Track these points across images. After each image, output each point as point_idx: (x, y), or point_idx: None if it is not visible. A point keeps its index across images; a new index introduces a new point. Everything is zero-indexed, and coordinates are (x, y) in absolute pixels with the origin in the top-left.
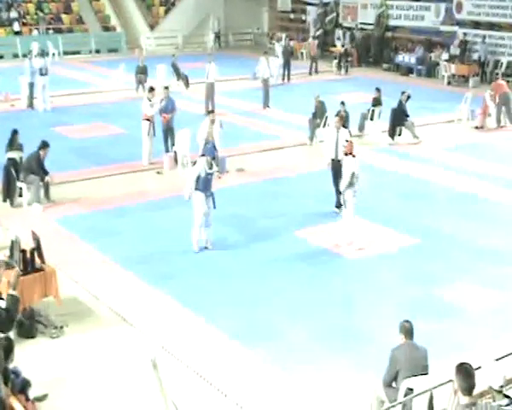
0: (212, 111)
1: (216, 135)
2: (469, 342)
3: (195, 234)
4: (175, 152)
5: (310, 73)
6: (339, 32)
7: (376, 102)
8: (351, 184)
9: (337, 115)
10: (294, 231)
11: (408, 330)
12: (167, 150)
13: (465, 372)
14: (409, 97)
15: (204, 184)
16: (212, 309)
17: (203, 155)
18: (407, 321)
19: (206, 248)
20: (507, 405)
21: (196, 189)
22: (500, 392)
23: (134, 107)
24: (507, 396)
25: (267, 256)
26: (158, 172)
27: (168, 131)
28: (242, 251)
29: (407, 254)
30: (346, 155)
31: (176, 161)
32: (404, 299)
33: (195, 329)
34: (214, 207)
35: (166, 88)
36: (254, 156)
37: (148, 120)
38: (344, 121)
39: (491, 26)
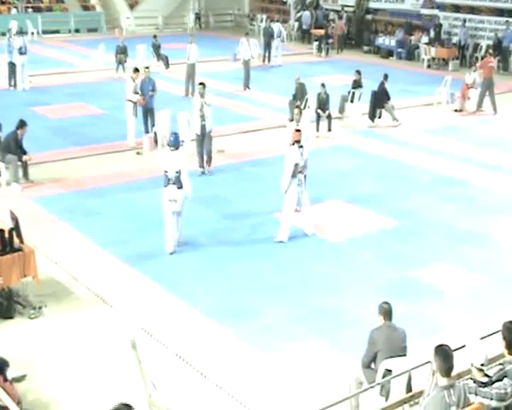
0: (202, 84)
1: (208, 110)
2: (448, 323)
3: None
4: (155, 133)
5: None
6: (330, 13)
7: (356, 85)
8: (293, 176)
9: (297, 107)
10: (274, 213)
11: (387, 312)
12: (147, 131)
13: (444, 354)
14: (386, 77)
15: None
16: (190, 289)
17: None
18: (386, 303)
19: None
20: (486, 384)
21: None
22: (481, 370)
23: (114, 87)
24: (487, 375)
25: (246, 238)
26: (137, 153)
27: (148, 112)
28: (221, 232)
29: (386, 235)
30: (292, 144)
31: (156, 142)
32: (384, 280)
33: (174, 310)
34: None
35: (147, 68)
36: (234, 138)
37: (130, 100)
38: (320, 105)
39: (472, 9)
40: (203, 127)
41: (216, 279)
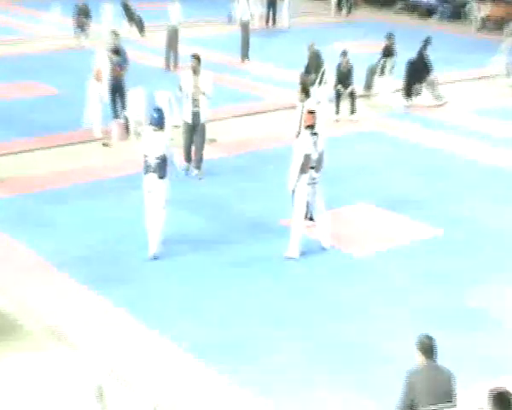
0: (197, 58)
1: (208, 89)
2: (508, 361)
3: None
4: (126, 118)
5: None
6: None
7: (388, 53)
8: (303, 171)
9: (303, 84)
10: (280, 219)
11: (428, 348)
12: (116, 116)
13: (502, 401)
14: (427, 42)
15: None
16: (173, 321)
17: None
18: (427, 336)
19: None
20: None
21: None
22: None
23: (72, 59)
24: None
25: (245, 253)
26: (104, 144)
27: (117, 92)
28: (213, 246)
29: (426, 248)
30: (305, 128)
31: (127, 129)
32: (424, 306)
33: (152, 347)
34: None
35: (116, 35)
36: (230, 123)
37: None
38: (341, 80)
39: None
40: (195, 115)
41: (206, 307)
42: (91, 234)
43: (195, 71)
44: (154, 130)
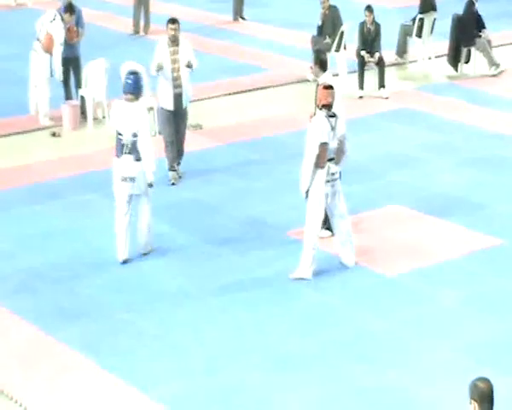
0: (175, 20)
1: (185, 70)
2: None
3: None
4: (82, 98)
5: None
6: None
7: (427, 7)
8: (319, 166)
9: (317, 53)
10: (289, 230)
11: (484, 394)
12: (68, 97)
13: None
14: None
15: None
16: (143, 365)
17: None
18: (482, 379)
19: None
20: None
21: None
22: None
23: (10, 22)
24: None
25: (241, 273)
26: (53, 134)
27: (70, 64)
28: (200, 266)
29: (480, 264)
30: (319, 110)
31: (83, 113)
32: (476, 339)
33: (121, 401)
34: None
35: None
36: (219, 103)
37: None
38: (366, 44)
39: None
40: (177, 98)
41: (189, 345)
42: (37, 252)
43: (175, 40)
44: (129, 99)
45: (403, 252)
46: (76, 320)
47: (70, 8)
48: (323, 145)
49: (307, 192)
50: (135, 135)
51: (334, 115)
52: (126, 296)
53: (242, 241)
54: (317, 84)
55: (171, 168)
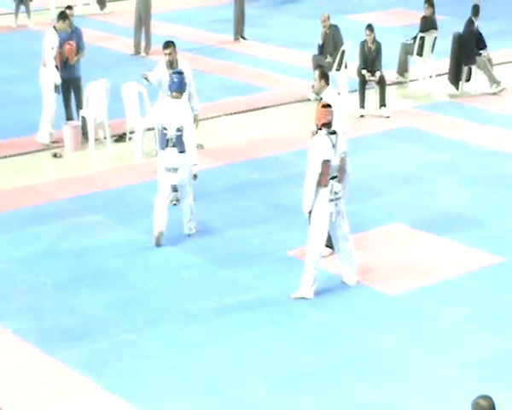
0: (170, 44)
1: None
2: None
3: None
4: (83, 119)
5: None
6: None
7: (428, 26)
8: (322, 184)
9: (317, 69)
10: (289, 250)
11: None
12: (70, 117)
13: None
14: (477, 11)
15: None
16: (144, 385)
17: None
18: (485, 397)
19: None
20: None
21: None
22: None
23: (11, 44)
24: None
25: (242, 293)
26: (55, 155)
27: (71, 85)
28: (200, 285)
29: (481, 281)
30: (318, 130)
31: (84, 134)
32: (477, 357)
33: None
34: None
35: (69, 8)
36: (220, 123)
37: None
38: (367, 62)
39: None
40: None
41: (190, 365)
42: (39, 273)
43: (172, 63)
44: (174, 97)
45: (404, 270)
46: (78, 341)
47: (61, 16)
48: (326, 163)
49: (310, 212)
50: (179, 130)
51: (334, 132)
52: (128, 316)
53: (244, 260)
54: (320, 99)
55: (174, 189)
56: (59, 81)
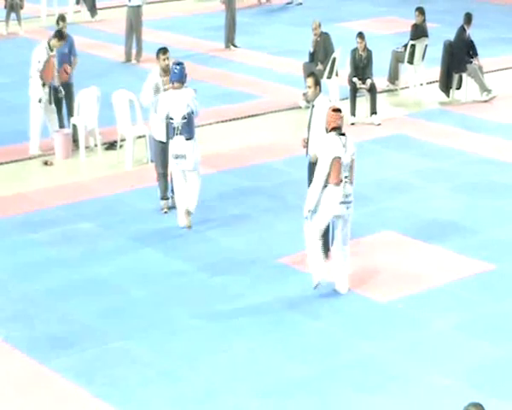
0: (164, 51)
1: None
2: None
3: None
4: (73, 126)
5: None
6: None
7: (418, 33)
8: (331, 181)
9: (310, 76)
10: (278, 257)
11: None
12: (61, 125)
13: None
14: (469, 19)
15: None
16: (137, 393)
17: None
18: (475, 404)
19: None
20: None
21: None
22: None
23: (0, 51)
24: None
25: (233, 301)
26: (45, 164)
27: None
28: (192, 294)
29: (473, 289)
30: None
31: (75, 141)
32: (469, 365)
33: None
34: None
35: (62, 19)
36: (212, 130)
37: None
38: (357, 70)
39: None
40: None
41: (183, 373)
42: (30, 281)
43: (167, 70)
44: (176, 87)
45: (396, 278)
46: (69, 349)
47: (58, 34)
48: (337, 159)
49: (312, 211)
50: (184, 117)
51: (344, 134)
52: (119, 324)
53: (234, 268)
54: (313, 106)
55: (163, 197)
56: (42, 96)
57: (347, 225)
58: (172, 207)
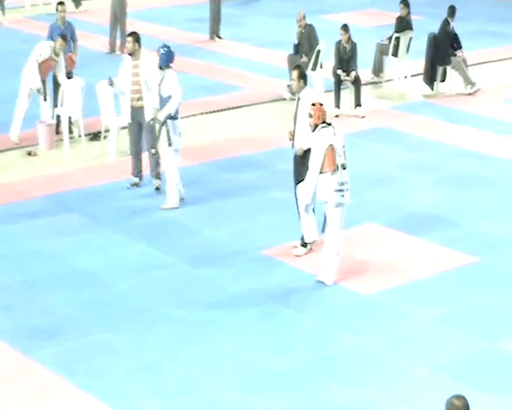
0: (129, 34)
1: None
2: None
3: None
4: (57, 117)
5: None
6: None
7: (403, 26)
8: (327, 169)
9: (296, 69)
10: (261, 249)
11: None
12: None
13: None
14: (453, 12)
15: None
16: (118, 385)
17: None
18: (458, 397)
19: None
20: None
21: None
22: None
23: None
24: None
25: (217, 293)
26: (29, 154)
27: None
28: (174, 285)
29: (456, 281)
30: (315, 127)
31: (59, 132)
32: (451, 357)
33: None
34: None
35: (61, 3)
36: (196, 122)
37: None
38: (342, 62)
39: None
40: (138, 111)
41: (164, 366)
42: (13, 272)
43: (132, 54)
44: (163, 70)
45: (379, 270)
46: (52, 340)
47: (62, 37)
48: (331, 147)
49: (307, 206)
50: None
51: (330, 124)
52: (102, 316)
53: (218, 260)
54: (298, 99)
55: (136, 175)
56: (38, 85)
57: (343, 215)
58: (135, 185)
